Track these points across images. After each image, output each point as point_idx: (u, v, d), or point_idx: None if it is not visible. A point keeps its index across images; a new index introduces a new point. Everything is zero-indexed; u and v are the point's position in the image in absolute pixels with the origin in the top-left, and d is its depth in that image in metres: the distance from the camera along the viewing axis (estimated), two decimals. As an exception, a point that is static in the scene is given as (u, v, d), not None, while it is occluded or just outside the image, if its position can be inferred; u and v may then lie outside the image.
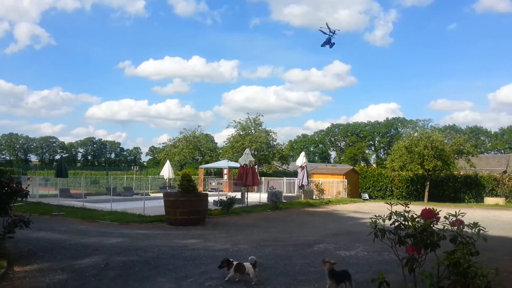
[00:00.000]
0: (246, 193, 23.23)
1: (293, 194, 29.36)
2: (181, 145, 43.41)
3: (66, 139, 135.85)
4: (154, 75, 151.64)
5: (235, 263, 6.65)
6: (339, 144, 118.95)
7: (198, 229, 13.32)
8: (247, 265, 6.64)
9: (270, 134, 37.92)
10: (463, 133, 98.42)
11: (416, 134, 31.18)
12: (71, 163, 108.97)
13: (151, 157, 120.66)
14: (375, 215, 4.24)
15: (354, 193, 32.10)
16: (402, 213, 3.96)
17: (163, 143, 49.50)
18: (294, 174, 35.12)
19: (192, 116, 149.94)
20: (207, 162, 43.84)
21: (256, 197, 25.17)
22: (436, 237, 3.77)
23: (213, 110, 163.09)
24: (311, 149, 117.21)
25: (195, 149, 44.01)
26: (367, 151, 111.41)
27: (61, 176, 19.50)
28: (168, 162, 35.10)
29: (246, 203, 22.28)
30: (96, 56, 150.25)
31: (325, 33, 13.36)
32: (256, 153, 37.34)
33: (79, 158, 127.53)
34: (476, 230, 3.79)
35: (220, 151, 47.32)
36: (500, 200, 27.26)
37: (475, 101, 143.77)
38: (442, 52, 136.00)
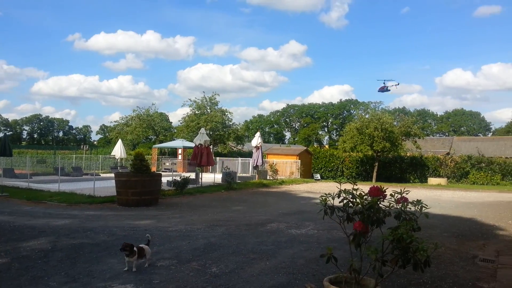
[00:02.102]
0: (200, 173, 23.15)
1: (247, 175, 29.62)
2: (134, 123, 42.33)
3: (10, 116, 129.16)
4: (105, 50, 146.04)
5: (136, 248, 6.11)
6: (294, 125, 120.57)
7: (151, 210, 13.17)
8: (146, 247, 6.36)
9: (226, 114, 37.80)
10: (411, 115, 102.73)
11: (367, 116, 32.16)
12: (16, 142, 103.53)
13: (102, 136, 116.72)
14: (325, 193, 4.36)
15: (307, 173, 32.87)
16: (351, 191, 4.10)
17: (115, 122, 48.05)
18: (249, 154, 35.36)
19: (146, 94, 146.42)
20: (161, 142, 43.18)
21: (211, 177, 25.18)
22: (382, 214, 3.94)
23: (168, 88, 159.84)
24: (267, 129, 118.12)
25: (148, 128, 43.10)
26: (320, 132, 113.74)
27: (5, 155, 18.49)
28: (120, 141, 34.20)
29: (200, 183, 22.24)
30: (43, 27, 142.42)
31: (385, 86, 13.76)
32: (211, 133, 37.15)
33: (24, 137, 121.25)
34: (419, 208, 3.99)
35: (175, 131, 46.70)
36: (442, 181, 28.89)
37: (423, 84, 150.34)
38: (394, 35, 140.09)
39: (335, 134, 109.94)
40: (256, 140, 26.77)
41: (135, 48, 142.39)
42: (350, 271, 3.90)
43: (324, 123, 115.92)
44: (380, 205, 4.02)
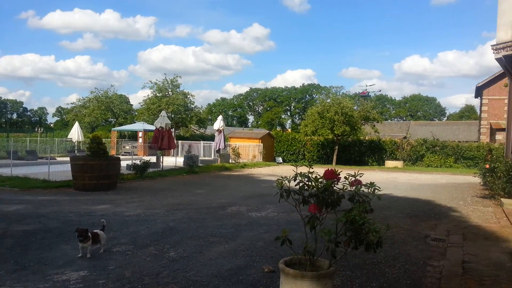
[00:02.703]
0: (161, 157, 22.82)
1: (210, 158, 29.46)
2: (91, 105, 40.91)
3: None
4: (61, 28, 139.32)
5: (90, 234, 5.94)
6: (257, 109, 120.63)
7: (109, 194, 12.85)
8: (101, 233, 6.18)
9: (188, 96, 37.15)
10: (370, 100, 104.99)
11: (328, 100, 32.59)
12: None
13: (58, 118, 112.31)
14: (282, 176, 4.36)
15: (269, 156, 33.10)
16: (307, 174, 4.11)
17: (72, 103, 46.30)
18: (212, 138, 35.07)
19: (105, 75, 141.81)
20: (121, 125, 42.05)
21: (172, 161, 24.86)
22: (336, 196, 3.98)
23: (128, 69, 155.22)
24: (230, 113, 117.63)
25: (107, 111, 41.81)
26: (283, 116, 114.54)
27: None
28: (77, 124, 32.99)
29: (161, 167, 21.93)
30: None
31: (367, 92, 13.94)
32: (173, 116, 36.55)
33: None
34: (372, 190, 4.06)
35: (136, 113, 45.56)
36: (399, 163, 29.88)
37: (383, 70, 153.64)
38: (354, 21, 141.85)
39: (297, 118, 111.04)
40: (218, 123, 26.57)
41: (93, 27, 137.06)
42: (304, 253, 3.94)
43: (287, 107, 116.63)
44: (335, 188, 4.06)
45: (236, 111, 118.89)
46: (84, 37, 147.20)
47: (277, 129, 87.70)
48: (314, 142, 34.22)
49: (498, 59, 13.26)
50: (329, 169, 4.04)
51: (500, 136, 30.99)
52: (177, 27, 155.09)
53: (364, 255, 6.50)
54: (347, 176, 4.08)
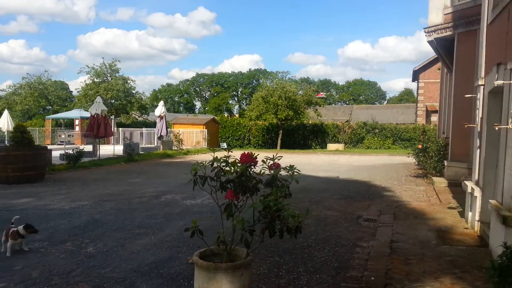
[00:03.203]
0: (98, 145, 21.73)
1: (152, 145, 28.55)
2: (23, 92, 38.27)
3: None
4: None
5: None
6: (204, 94, 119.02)
7: (35, 187, 11.94)
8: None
9: (128, 82, 35.75)
10: (315, 85, 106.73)
11: (272, 85, 32.55)
12: None
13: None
14: (198, 162, 4.05)
15: (214, 142, 32.66)
16: (225, 159, 3.82)
17: (2, 90, 43.09)
18: (155, 124, 34.05)
19: (43, 61, 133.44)
20: (56, 112, 39.79)
21: (111, 149, 23.79)
22: (254, 182, 3.72)
23: (68, 54, 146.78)
24: (176, 99, 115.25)
25: (41, 97, 39.31)
26: (230, 102, 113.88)
27: None
28: (6, 112, 30.72)
29: (98, 156, 20.90)
30: None
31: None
32: (113, 102, 35.07)
33: None
34: (291, 173, 3.85)
35: (76, 100, 43.29)
36: (340, 146, 30.59)
37: (327, 55, 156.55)
38: (301, 5, 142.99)
39: (245, 104, 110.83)
40: (160, 109, 25.74)
41: (27, 9, 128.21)
42: (218, 244, 3.66)
43: (234, 93, 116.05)
44: (253, 172, 3.81)
45: (182, 97, 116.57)
46: (18, 19, 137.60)
47: (225, 114, 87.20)
48: (259, 127, 34.19)
49: (430, 42, 13.63)
50: (245, 152, 3.78)
51: (434, 118, 32.51)
52: (119, 10, 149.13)
53: (295, 239, 6.37)
54: (266, 160, 3.83)
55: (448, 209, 8.64)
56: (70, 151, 17.27)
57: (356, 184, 12.44)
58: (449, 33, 12.40)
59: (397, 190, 11.33)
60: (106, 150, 23.79)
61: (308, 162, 19.52)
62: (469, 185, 7.14)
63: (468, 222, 7.16)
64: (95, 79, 34.86)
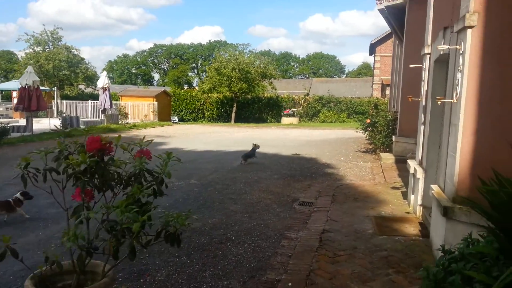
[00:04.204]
0: (31, 119, 19.90)
1: (96, 119, 26.75)
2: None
3: None
4: None
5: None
6: (162, 66, 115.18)
7: None
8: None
9: (72, 51, 33.25)
10: (276, 58, 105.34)
11: (226, 56, 31.14)
12: None
13: None
14: (42, 149, 2.98)
15: (166, 116, 31.15)
16: (81, 144, 2.77)
17: None
18: (101, 97, 32.01)
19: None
20: (-6, 84, 36.72)
21: (50, 123, 21.93)
22: (110, 176, 2.72)
23: (18, 22, 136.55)
24: (133, 70, 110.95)
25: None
26: (190, 74, 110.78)
27: None
28: None
29: (31, 131, 19.15)
30: None
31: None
32: (55, 73, 32.63)
33: None
34: (165, 163, 2.88)
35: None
36: (294, 120, 29.93)
37: (289, 28, 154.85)
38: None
39: (205, 76, 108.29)
40: (103, 80, 23.97)
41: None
42: (46, 264, 2.64)
43: (194, 65, 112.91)
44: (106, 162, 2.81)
45: (140, 69, 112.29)
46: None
47: (185, 87, 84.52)
48: (214, 100, 32.91)
49: (380, 10, 12.86)
50: (93, 136, 2.74)
51: (388, 91, 32.39)
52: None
53: (214, 230, 5.48)
54: (127, 145, 2.83)
55: (391, 189, 8.01)
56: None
57: (301, 161, 11.68)
58: (400, 0, 11.63)
59: (342, 168, 10.66)
60: (44, 124, 21.93)
61: (258, 137, 18.66)
62: (412, 165, 6.46)
63: (410, 206, 6.51)
64: (35, 48, 32.17)
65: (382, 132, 12.61)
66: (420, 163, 6.34)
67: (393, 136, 12.15)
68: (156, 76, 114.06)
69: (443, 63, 5.52)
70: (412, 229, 5.48)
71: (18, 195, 5.90)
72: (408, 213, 6.31)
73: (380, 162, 11.51)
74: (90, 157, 2.62)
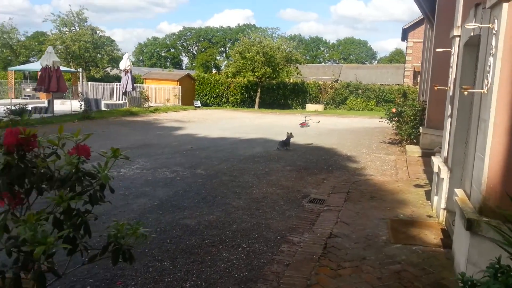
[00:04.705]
0: (52, 100, 19.92)
1: (119, 102, 26.69)
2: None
3: None
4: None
5: None
6: (191, 50, 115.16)
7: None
8: None
9: (98, 32, 33.26)
10: (306, 43, 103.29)
11: (251, 39, 30.31)
12: None
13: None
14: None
15: (190, 100, 30.85)
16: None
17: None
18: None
19: (26, 10, 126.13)
20: (23, 64, 37.30)
21: (73, 105, 21.94)
22: (39, 177, 2.21)
23: (52, 4, 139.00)
24: (163, 53, 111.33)
25: (5, 47, 36.63)
26: (218, 58, 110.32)
27: None
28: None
29: (53, 112, 19.17)
30: None
31: (306, 123, 12.94)
32: (81, 54, 32.76)
33: None
34: (107, 164, 2.35)
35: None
36: (320, 107, 29.01)
37: (320, 12, 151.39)
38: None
39: (233, 60, 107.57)
40: (125, 62, 23.72)
41: None
42: None
43: (222, 48, 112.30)
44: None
45: (169, 52, 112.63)
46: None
47: (213, 71, 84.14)
48: (238, 84, 32.26)
49: (412, -9, 11.88)
50: (11, 128, 2.22)
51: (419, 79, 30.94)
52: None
53: (208, 230, 4.97)
54: (57, 140, 2.31)
55: (414, 187, 7.28)
56: (13, 107, 15.52)
57: (318, 151, 11.00)
58: (433, -21, 10.66)
59: (363, 160, 9.94)
60: (69, 106, 21.96)
61: (278, 124, 18.04)
62: (436, 162, 5.72)
63: (433, 209, 5.81)
64: (62, 29, 32.32)
65: (409, 123, 11.76)
66: (446, 161, 5.61)
67: (421, 128, 11.30)
68: (185, 60, 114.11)
69: (474, 47, 4.76)
70: (432, 237, 4.80)
71: None
72: (430, 216, 5.61)
73: (405, 155, 10.71)
74: (7, 153, 2.10)
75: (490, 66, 3.42)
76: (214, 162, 9.06)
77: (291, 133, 11.37)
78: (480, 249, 3.28)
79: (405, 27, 38.48)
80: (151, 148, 10.86)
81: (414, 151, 10.79)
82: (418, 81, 31.16)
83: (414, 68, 36.78)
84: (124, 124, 17.29)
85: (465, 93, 3.77)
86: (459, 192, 4.10)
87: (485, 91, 3.48)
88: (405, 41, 40.78)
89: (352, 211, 5.79)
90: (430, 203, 6.15)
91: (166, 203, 6.00)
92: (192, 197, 6.36)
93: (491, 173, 3.30)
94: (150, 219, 5.29)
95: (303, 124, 12.41)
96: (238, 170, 8.36)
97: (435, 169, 5.73)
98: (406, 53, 41.21)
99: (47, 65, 18.46)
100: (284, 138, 11.19)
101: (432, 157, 6.21)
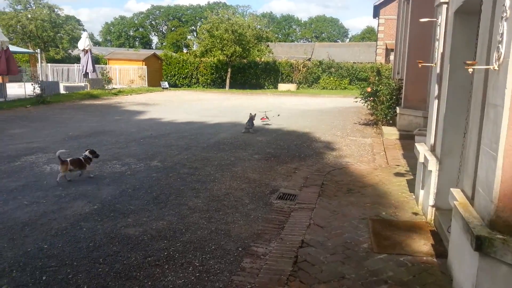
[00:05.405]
0: (4, 84, 18.33)
1: (81, 84, 25.07)
2: None
3: None
4: None
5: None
6: (161, 29, 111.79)
7: None
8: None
9: (55, 10, 31.11)
10: (278, 21, 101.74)
11: (219, 16, 28.95)
12: None
13: None
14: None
15: (157, 81, 29.44)
16: None
17: None
18: (95, 60, 30.09)
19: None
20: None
21: (29, 89, 20.31)
22: None
23: None
24: (131, 33, 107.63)
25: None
26: (189, 37, 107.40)
27: None
28: None
29: (5, 96, 17.65)
30: None
31: (266, 118, 11.80)
32: (39, 34, 30.68)
33: None
34: None
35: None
36: (292, 86, 28.16)
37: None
38: None
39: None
40: (83, 42, 22.15)
41: None
42: None
43: (193, 27, 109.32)
44: None
45: (138, 31, 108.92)
46: None
47: (184, 51, 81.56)
48: (207, 64, 30.96)
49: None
50: None
51: (393, 57, 30.43)
52: None
53: (154, 242, 4.08)
54: None
55: (394, 176, 6.56)
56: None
57: (290, 136, 10.17)
58: None
59: (338, 144, 9.19)
60: (24, 90, 20.32)
61: (250, 106, 17.09)
62: (421, 151, 4.97)
63: (419, 205, 5.08)
64: (15, 7, 30.07)
65: (384, 103, 11.06)
66: (433, 150, 4.86)
67: (397, 108, 10.63)
68: (155, 39, 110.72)
69: (469, 15, 3.96)
70: (422, 243, 4.05)
71: (87, 153, 6.26)
72: (415, 214, 4.88)
73: (381, 138, 10.05)
74: None
75: (502, 34, 2.61)
76: (174, 152, 8.10)
77: (255, 114, 10.87)
78: (494, 275, 2.52)
79: (377, 3, 37.74)
80: (104, 135, 9.78)
81: (391, 133, 10.11)
82: (392, 58, 30.66)
83: (386, 46, 36.26)
84: (81, 108, 15.98)
85: (470, 70, 2.95)
86: (456, 193, 3.33)
87: (496, 67, 2.67)
88: (377, 18, 40.13)
89: (327, 210, 5.00)
90: (414, 197, 5.44)
91: (108, 206, 5.05)
92: (141, 197, 5.42)
93: (507, 176, 2.52)
94: (84, 230, 4.35)
95: (263, 119, 11.69)
96: (200, 160, 7.44)
97: (421, 159, 4.97)
98: (378, 31, 40.62)
99: (-6, 46, 16.82)
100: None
101: (416, 143, 5.46)
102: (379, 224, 4.56)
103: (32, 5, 30.46)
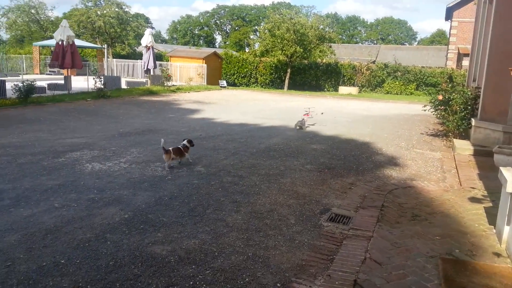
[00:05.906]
0: (69, 77, 18.95)
1: (142, 80, 25.59)
2: (13, 16, 35.14)
3: None
4: None
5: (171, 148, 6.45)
6: (225, 28, 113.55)
7: None
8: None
9: (123, 7, 32.14)
10: (342, 22, 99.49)
11: (281, 16, 28.32)
12: None
13: None
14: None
15: (216, 79, 29.45)
16: None
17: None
18: (158, 57, 30.76)
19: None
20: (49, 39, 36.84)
21: (92, 83, 20.97)
22: None
23: None
24: (196, 31, 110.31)
25: (32, 22, 36.09)
26: (252, 37, 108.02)
27: None
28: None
29: (69, 89, 18.25)
30: None
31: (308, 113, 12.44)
32: (107, 30, 31.83)
33: None
34: None
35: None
36: (354, 90, 26.90)
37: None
38: None
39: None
40: (146, 38, 22.47)
41: None
42: None
43: (256, 27, 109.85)
44: None
45: (202, 30, 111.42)
46: None
47: (246, 50, 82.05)
48: (267, 64, 30.51)
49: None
50: None
51: (466, 62, 28.19)
52: None
53: (180, 266, 3.54)
54: None
55: (469, 201, 5.58)
56: (20, 84, 14.54)
57: (348, 144, 9.33)
58: None
59: (402, 157, 8.24)
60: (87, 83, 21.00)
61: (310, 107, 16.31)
62: (510, 178, 4.03)
63: (502, 242, 4.14)
64: (87, 3, 31.39)
65: (458, 113, 9.87)
66: (527, 178, 3.91)
67: (473, 119, 9.43)
68: (219, 38, 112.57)
69: None
70: (509, 299, 3.18)
71: (185, 142, 6.82)
72: (497, 255, 3.96)
73: (452, 152, 8.92)
74: None
75: None
76: (221, 156, 7.61)
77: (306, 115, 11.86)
78: None
79: (450, 5, 35.32)
80: (154, 134, 9.53)
81: (464, 147, 8.96)
82: (465, 63, 28.43)
83: (458, 50, 33.85)
84: (138, 104, 16.08)
85: None
86: None
87: None
88: (449, 20, 37.58)
89: (387, 241, 4.22)
90: (495, 231, 4.49)
91: (140, 216, 4.61)
92: (177, 207, 4.94)
93: None
94: (108, 243, 3.91)
95: (306, 115, 11.34)
96: (247, 167, 6.87)
97: (509, 188, 4.04)
98: (450, 34, 38.04)
99: (61, 40, 17.42)
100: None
101: (501, 168, 4.50)
102: (452, 266, 3.71)
103: (102, 2, 31.58)
